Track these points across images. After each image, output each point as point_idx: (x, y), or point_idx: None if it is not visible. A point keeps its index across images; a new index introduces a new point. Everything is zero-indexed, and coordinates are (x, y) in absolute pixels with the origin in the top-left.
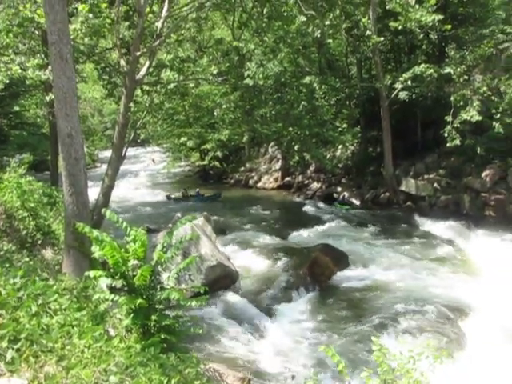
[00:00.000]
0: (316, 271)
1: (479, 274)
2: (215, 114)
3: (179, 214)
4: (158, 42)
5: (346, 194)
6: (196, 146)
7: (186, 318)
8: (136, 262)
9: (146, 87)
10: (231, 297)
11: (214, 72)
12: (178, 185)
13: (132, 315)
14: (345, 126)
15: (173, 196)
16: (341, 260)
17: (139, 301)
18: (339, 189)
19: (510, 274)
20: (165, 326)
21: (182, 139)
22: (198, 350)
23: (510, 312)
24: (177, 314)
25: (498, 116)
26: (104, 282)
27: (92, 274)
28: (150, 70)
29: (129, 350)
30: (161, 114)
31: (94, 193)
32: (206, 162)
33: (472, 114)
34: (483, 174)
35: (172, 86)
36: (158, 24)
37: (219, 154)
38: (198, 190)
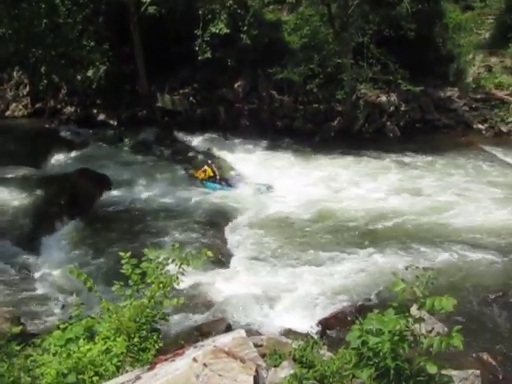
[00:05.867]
0: (78, 197)
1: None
2: None
3: None
4: None
5: (103, 116)
6: None
7: None
8: None
9: None
10: None
11: None
12: None
13: None
14: (93, 43)
15: None
16: (102, 183)
17: None
18: (95, 110)
19: (265, 175)
20: None
21: None
22: None
23: (267, 209)
24: None
25: (245, 28)
26: None
27: None
28: None
29: None
30: None
31: None
32: None
33: (220, 27)
34: (236, 85)
35: None
36: None
37: None
38: None
